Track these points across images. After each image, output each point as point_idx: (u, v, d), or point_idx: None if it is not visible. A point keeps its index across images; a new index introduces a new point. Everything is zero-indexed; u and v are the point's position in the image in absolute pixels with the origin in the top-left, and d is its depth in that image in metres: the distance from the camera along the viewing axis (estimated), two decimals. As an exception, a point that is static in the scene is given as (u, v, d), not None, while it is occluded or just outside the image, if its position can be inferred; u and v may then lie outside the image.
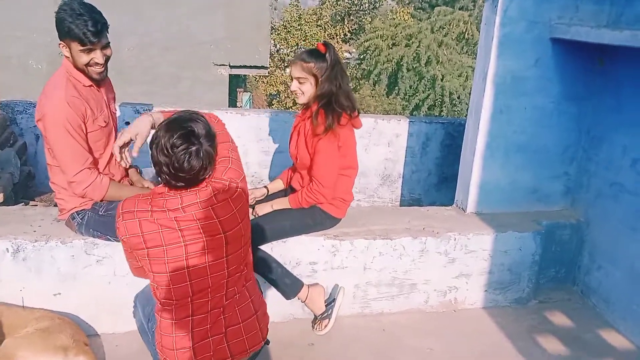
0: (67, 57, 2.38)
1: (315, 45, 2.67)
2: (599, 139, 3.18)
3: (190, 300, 1.89)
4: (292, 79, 2.68)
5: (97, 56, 2.36)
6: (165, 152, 1.76)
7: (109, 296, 2.60)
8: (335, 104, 2.57)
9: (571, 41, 2.95)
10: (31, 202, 3.57)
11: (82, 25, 2.27)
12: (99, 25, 2.30)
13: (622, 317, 2.97)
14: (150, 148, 1.83)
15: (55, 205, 2.66)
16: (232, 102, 12.74)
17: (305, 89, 2.62)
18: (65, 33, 2.29)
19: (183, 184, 1.82)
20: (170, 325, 1.90)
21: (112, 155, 2.57)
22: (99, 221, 2.49)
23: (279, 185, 2.98)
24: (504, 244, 3.03)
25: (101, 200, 2.50)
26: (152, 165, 1.84)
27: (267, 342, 2.14)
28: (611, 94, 3.09)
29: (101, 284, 2.58)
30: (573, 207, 3.39)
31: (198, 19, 8.52)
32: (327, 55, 2.58)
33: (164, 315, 1.91)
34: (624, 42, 2.59)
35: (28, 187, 3.76)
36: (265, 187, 2.96)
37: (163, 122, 1.84)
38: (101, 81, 2.48)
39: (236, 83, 13.82)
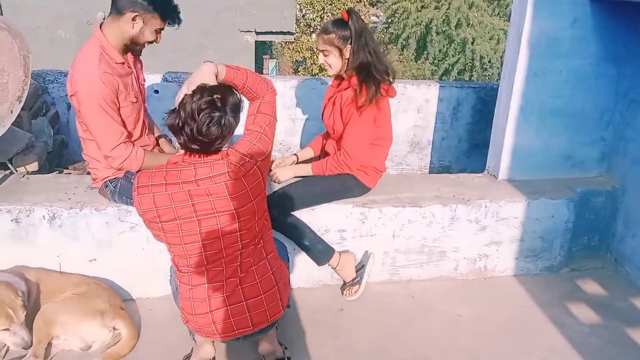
0: (131, 29, 2.36)
1: (340, 12, 2.61)
2: (638, 103, 3.06)
3: (205, 269, 1.96)
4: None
5: (159, 38, 2.46)
6: (190, 114, 1.81)
7: (143, 262, 2.65)
8: (375, 73, 2.52)
9: (611, 0, 2.82)
10: (65, 171, 3.65)
11: (174, 7, 2.38)
12: (179, 11, 2.41)
13: (658, 286, 2.92)
14: (178, 107, 1.87)
15: (89, 173, 2.70)
16: (259, 69, 12.68)
17: (331, 62, 2.59)
18: (153, 7, 2.32)
19: (198, 148, 1.86)
20: (187, 290, 1.99)
21: (143, 128, 2.61)
22: (131, 188, 2.52)
23: (309, 153, 2.97)
24: (536, 211, 2.98)
25: (135, 171, 2.53)
26: (175, 124, 1.85)
27: (288, 306, 2.22)
28: (653, 55, 2.96)
29: (135, 250, 2.63)
30: (609, 173, 3.29)
31: (222, -15, 8.43)
32: (349, 23, 2.51)
33: (183, 280, 2.00)
34: (669, -1, 2.46)
35: (61, 155, 3.84)
36: (295, 154, 2.95)
37: (202, 87, 1.87)
38: (139, 56, 2.53)
39: (262, 50, 13.73)
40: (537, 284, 3.03)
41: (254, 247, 2.02)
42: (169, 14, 2.39)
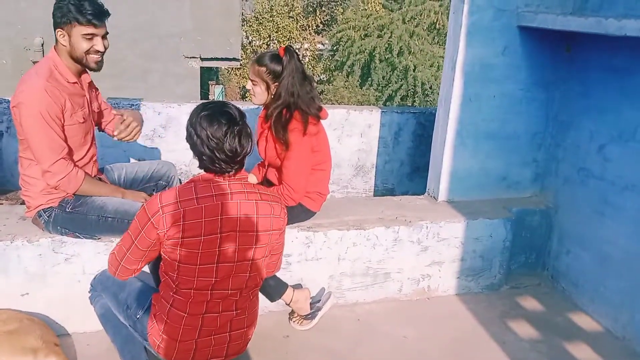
0: (63, 46, 2.33)
1: (280, 44, 2.66)
2: (567, 125, 3.23)
3: (209, 297, 1.91)
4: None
5: (98, 43, 2.35)
6: (215, 140, 1.80)
7: (78, 295, 2.54)
8: (293, 112, 2.55)
9: (538, 29, 2.98)
10: (-4, 201, 3.48)
11: (89, 6, 2.28)
12: (103, 9, 2.33)
13: (591, 300, 3.04)
14: (194, 143, 1.85)
15: (22, 203, 2.59)
16: (204, 95, 12.61)
17: (257, 92, 2.63)
18: (67, 17, 2.27)
19: (239, 167, 1.89)
20: (180, 317, 1.92)
21: (89, 155, 2.54)
22: (66, 218, 2.44)
23: (252, 179, 2.96)
24: (475, 231, 3.07)
25: (74, 194, 2.45)
26: (200, 163, 1.88)
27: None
28: (578, 80, 3.14)
29: (70, 282, 2.52)
30: (542, 193, 3.44)
31: (165, 10, 8.39)
32: (284, 61, 2.54)
33: (177, 305, 1.92)
34: (589, 29, 2.63)
35: (-8, 185, 3.66)
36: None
37: (199, 114, 1.85)
38: (98, 71, 2.44)
39: (208, 76, 13.67)
40: (479, 302, 3.11)
41: (254, 286, 2.03)
42: (85, 17, 2.28)
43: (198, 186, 1.87)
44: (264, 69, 2.56)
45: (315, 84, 2.73)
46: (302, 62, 2.59)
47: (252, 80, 2.62)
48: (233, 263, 1.91)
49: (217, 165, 1.85)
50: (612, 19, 2.49)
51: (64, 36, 2.32)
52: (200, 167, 1.91)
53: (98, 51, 2.37)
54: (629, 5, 2.73)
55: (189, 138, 1.88)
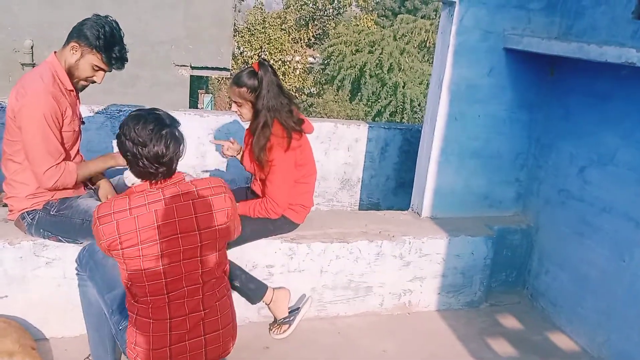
0: (70, 56, 2.35)
1: (277, 59, 2.68)
2: (549, 146, 3.29)
3: (166, 299, 1.90)
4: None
5: (99, 77, 2.43)
6: (141, 141, 1.81)
7: (58, 299, 2.53)
8: (271, 126, 2.56)
9: (523, 51, 3.05)
10: (-22, 202, 3.44)
11: (118, 51, 2.36)
12: (126, 58, 2.41)
13: (569, 320, 3.08)
14: (122, 144, 1.87)
15: (5, 205, 2.58)
16: (194, 104, 12.60)
17: (243, 112, 2.65)
18: (96, 45, 2.32)
19: (165, 170, 1.86)
20: (147, 324, 1.91)
21: (77, 160, 2.55)
22: (50, 221, 2.43)
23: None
24: (456, 247, 3.10)
25: (59, 198, 2.45)
26: (127, 162, 1.88)
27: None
28: (560, 103, 3.21)
29: (50, 286, 2.51)
30: (524, 212, 3.50)
31: (157, 18, 8.41)
32: (260, 74, 2.55)
33: (141, 313, 1.91)
34: (572, 53, 2.70)
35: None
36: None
37: (129, 114, 1.89)
38: (79, 92, 2.51)
39: (198, 84, 13.68)
40: (459, 319, 3.13)
41: (215, 281, 2.00)
42: (109, 58, 2.36)
43: (132, 197, 1.88)
44: (244, 89, 2.58)
45: (293, 96, 2.74)
46: (290, 75, 2.60)
47: (235, 103, 2.64)
48: (179, 262, 1.90)
49: (141, 164, 1.84)
50: (594, 44, 2.56)
51: (75, 51, 2.35)
52: (131, 171, 1.92)
53: (93, 82, 2.44)
54: (610, 33, 2.81)
55: (117, 137, 1.90)
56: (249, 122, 2.71)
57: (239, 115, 2.68)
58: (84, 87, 2.49)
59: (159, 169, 1.85)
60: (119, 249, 1.84)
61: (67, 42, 2.36)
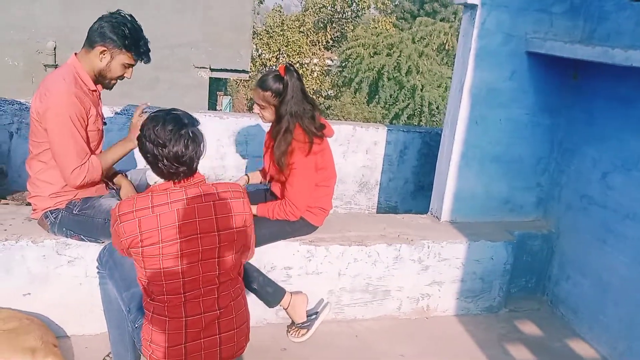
0: (99, 62, 2.40)
1: (295, 61, 2.69)
2: (571, 151, 3.25)
3: (183, 298, 1.92)
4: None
5: (129, 73, 2.49)
6: (161, 142, 1.84)
7: (79, 297, 2.56)
8: (294, 130, 2.57)
9: (546, 55, 3.02)
10: (2, 201, 3.51)
11: (144, 45, 2.43)
12: (149, 48, 2.47)
13: (589, 327, 3.04)
14: (142, 146, 1.90)
15: (28, 204, 2.62)
16: (212, 105, 12.70)
17: (266, 114, 2.66)
18: (124, 44, 2.38)
19: (185, 169, 1.89)
20: (163, 322, 1.93)
21: None
22: (73, 220, 2.46)
23: (258, 176, 3.00)
24: (476, 252, 3.08)
25: (82, 197, 2.47)
26: (148, 163, 1.91)
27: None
28: (583, 107, 3.17)
29: (72, 285, 2.55)
30: (545, 218, 3.46)
31: (177, 21, 8.49)
32: (285, 79, 2.56)
33: (157, 311, 1.94)
34: (596, 57, 2.66)
35: (0, 185, 3.69)
36: (247, 175, 3.00)
37: (148, 116, 1.92)
38: (109, 90, 2.56)
39: (216, 86, 13.78)
40: (477, 324, 3.11)
41: (230, 281, 2.02)
42: (138, 54, 2.43)
43: (154, 195, 1.90)
44: (269, 93, 2.59)
45: (316, 102, 2.75)
46: (307, 78, 2.61)
47: (259, 105, 2.66)
48: (197, 262, 1.92)
49: (161, 165, 1.87)
50: (619, 49, 2.52)
51: (105, 55, 2.39)
52: (153, 171, 1.94)
53: (126, 78, 2.50)
54: (635, 37, 2.77)
55: (138, 139, 1.93)
56: (270, 123, 2.72)
57: (260, 117, 2.69)
58: (114, 85, 2.54)
59: (179, 168, 1.87)
60: (139, 247, 1.85)
61: (91, 46, 2.39)
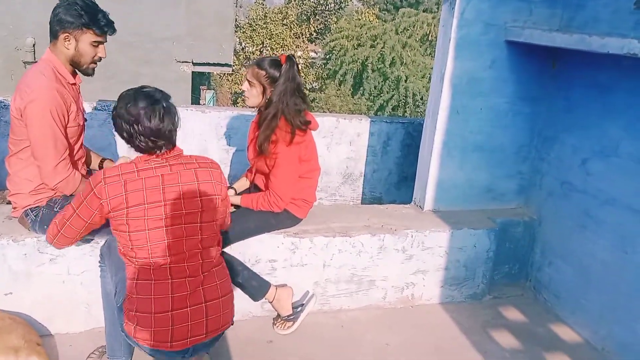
0: (67, 49, 2.36)
1: (279, 51, 2.69)
2: (551, 139, 3.29)
3: (168, 260, 1.95)
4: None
5: (101, 51, 2.44)
6: (133, 119, 1.90)
7: (62, 295, 2.55)
8: (279, 119, 2.57)
9: (525, 44, 3.04)
10: (-18, 200, 3.46)
11: (103, 17, 2.37)
12: (111, 19, 2.40)
13: (572, 312, 3.08)
14: (117, 126, 1.96)
15: (8, 202, 2.59)
16: (195, 100, 12.62)
17: (252, 93, 2.64)
18: (79, 22, 2.32)
19: (165, 142, 1.95)
20: (149, 285, 1.94)
21: (79, 156, 2.56)
22: (53, 217, 2.43)
23: (244, 183, 2.98)
24: (459, 240, 3.11)
25: (68, 194, 2.45)
26: (126, 142, 1.97)
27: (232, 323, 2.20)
28: (562, 95, 3.20)
29: (55, 282, 2.53)
30: (526, 205, 3.50)
31: (159, 15, 8.42)
32: (283, 67, 2.57)
33: (142, 276, 1.95)
34: (574, 45, 2.68)
35: (-21, 184, 3.64)
36: (232, 187, 2.95)
37: (118, 99, 1.97)
38: (91, 76, 2.51)
39: (200, 80, 13.69)
40: (462, 311, 3.14)
41: (212, 248, 2.07)
42: (100, 27, 2.36)
43: (138, 162, 1.97)
44: (263, 72, 2.59)
45: (307, 99, 2.75)
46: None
47: (249, 81, 2.64)
48: (181, 225, 1.97)
49: (138, 142, 1.93)
50: (596, 36, 2.55)
51: (69, 41, 2.35)
52: (132, 147, 1.99)
53: (100, 58, 2.45)
54: (612, 24, 2.80)
55: (112, 119, 1.98)
56: (252, 107, 2.71)
57: (245, 96, 2.68)
58: (94, 69, 2.49)
59: (157, 142, 1.94)
60: (124, 207, 1.89)
61: (55, 36, 2.36)
